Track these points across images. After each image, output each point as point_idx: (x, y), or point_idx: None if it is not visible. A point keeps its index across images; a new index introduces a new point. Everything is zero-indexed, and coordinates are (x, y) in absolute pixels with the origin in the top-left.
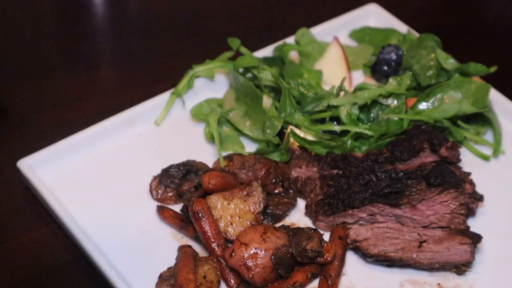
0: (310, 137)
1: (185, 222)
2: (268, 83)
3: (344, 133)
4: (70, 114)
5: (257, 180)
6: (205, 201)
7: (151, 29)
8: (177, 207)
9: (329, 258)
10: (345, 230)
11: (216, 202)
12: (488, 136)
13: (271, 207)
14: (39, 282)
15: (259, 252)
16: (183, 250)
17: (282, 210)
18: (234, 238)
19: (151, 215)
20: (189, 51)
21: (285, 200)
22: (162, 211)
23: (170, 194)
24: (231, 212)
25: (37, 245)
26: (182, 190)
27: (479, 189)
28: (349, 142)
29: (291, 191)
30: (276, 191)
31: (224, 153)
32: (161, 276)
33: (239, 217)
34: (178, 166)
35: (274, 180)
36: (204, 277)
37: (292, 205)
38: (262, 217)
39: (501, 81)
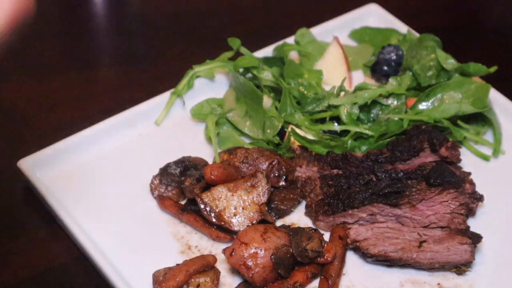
0: (310, 137)
1: (185, 211)
2: (268, 83)
3: (344, 133)
4: (70, 114)
5: (262, 171)
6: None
7: (151, 29)
8: None
9: (329, 258)
10: (345, 230)
11: (221, 193)
12: (488, 136)
13: (276, 202)
14: (39, 282)
15: (259, 252)
16: (204, 256)
17: (286, 205)
18: (238, 229)
19: (152, 215)
20: (189, 51)
21: (291, 196)
22: (163, 201)
23: (171, 192)
24: (235, 204)
25: (37, 245)
26: (185, 185)
27: (479, 189)
28: (349, 142)
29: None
30: (281, 184)
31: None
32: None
33: (243, 209)
34: (175, 163)
35: (277, 173)
36: (197, 286)
37: (297, 201)
38: (266, 208)
39: (501, 81)
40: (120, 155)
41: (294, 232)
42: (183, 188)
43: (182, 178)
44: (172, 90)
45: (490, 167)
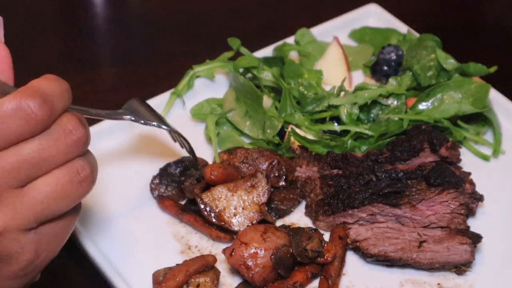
0: (310, 137)
1: (185, 211)
2: (268, 83)
3: (344, 133)
4: None
5: (262, 171)
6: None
7: (151, 29)
8: None
9: (329, 258)
10: (345, 230)
11: (221, 193)
12: (488, 136)
13: (276, 202)
14: (38, 282)
15: (259, 252)
16: (204, 256)
17: (286, 205)
18: (238, 229)
19: (152, 215)
20: (189, 51)
21: (291, 195)
22: (163, 201)
23: (171, 192)
24: (235, 204)
25: None
26: (185, 185)
27: (479, 189)
28: (349, 142)
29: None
30: (281, 184)
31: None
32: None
33: (243, 209)
34: (175, 163)
35: (277, 173)
36: (197, 286)
37: (297, 201)
38: (266, 208)
39: (501, 81)
40: (120, 155)
41: (294, 232)
42: (183, 188)
43: (182, 178)
44: (172, 90)
45: (490, 167)
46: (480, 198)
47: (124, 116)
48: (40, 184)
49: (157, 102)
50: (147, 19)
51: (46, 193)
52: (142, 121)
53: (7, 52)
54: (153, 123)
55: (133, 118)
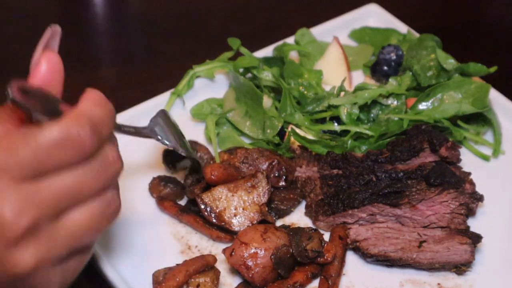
0: (310, 137)
1: (185, 211)
2: (268, 83)
3: (344, 132)
4: None
5: (262, 172)
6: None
7: (151, 29)
8: None
9: (329, 258)
10: (345, 230)
11: (221, 193)
12: (488, 136)
13: (276, 202)
14: None
15: (259, 252)
16: (204, 256)
17: (286, 205)
18: (238, 229)
19: (152, 214)
20: (189, 51)
21: (291, 196)
22: (162, 202)
23: (169, 192)
24: (236, 204)
25: None
26: (186, 182)
27: (479, 189)
28: (349, 142)
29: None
30: (281, 184)
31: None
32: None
33: (243, 209)
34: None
35: (277, 174)
36: (197, 286)
37: (297, 201)
38: (266, 209)
39: (501, 81)
40: (121, 155)
41: (294, 232)
42: (184, 186)
43: (186, 175)
44: (172, 90)
45: (490, 167)
46: (480, 198)
47: (153, 136)
48: (76, 216)
49: (157, 102)
50: (147, 19)
51: (80, 226)
52: (168, 143)
53: (61, 65)
54: (181, 149)
55: (164, 141)
